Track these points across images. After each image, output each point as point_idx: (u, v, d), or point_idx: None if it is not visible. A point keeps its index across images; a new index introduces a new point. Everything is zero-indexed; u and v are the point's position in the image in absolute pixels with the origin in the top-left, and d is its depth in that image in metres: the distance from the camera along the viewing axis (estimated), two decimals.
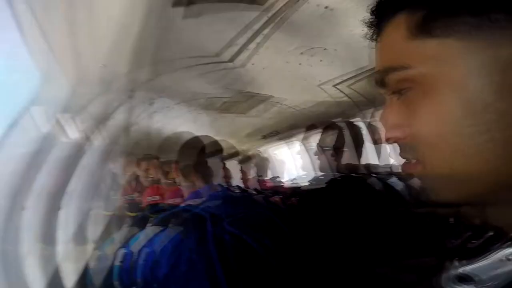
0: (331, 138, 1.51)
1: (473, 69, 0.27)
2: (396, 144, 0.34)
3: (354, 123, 1.63)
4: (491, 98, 0.26)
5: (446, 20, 0.28)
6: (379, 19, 0.35)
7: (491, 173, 0.27)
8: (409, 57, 0.30)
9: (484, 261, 0.27)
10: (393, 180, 1.50)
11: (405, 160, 0.34)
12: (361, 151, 1.53)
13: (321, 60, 1.36)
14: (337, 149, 1.47)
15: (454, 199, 0.31)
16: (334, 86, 1.67)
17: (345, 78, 1.59)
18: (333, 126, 1.54)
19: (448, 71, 0.28)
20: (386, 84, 0.33)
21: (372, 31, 0.37)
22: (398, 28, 0.31)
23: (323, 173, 1.64)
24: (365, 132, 1.93)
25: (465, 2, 0.27)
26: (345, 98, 1.84)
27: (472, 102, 0.27)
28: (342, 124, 1.54)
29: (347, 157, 1.46)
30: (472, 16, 0.26)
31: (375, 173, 1.54)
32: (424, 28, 0.29)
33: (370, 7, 0.35)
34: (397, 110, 0.33)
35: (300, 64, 1.36)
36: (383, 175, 1.61)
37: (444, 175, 0.30)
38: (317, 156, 1.65)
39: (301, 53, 1.26)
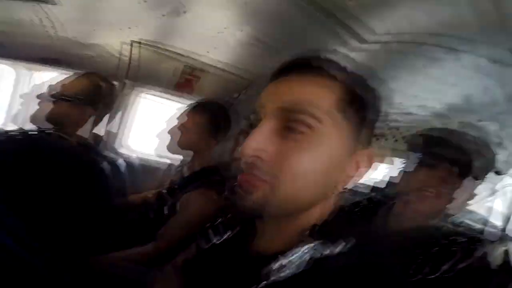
0: (81, 88, 1.18)
1: (346, 150, 0.44)
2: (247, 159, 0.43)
3: (114, 84, 1.46)
4: (337, 169, 0.44)
5: (360, 113, 0.45)
6: (315, 69, 0.44)
7: (302, 204, 0.44)
8: (326, 116, 0.42)
9: (294, 255, 0.41)
10: (120, 162, 1.54)
11: (248, 175, 0.43)
12: (103, 116, 1.40)
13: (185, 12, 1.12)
14: (80, 102, 1.19)
15: (268, 213, 0.44)
16: (140, 44, 1.39)
17: (157, 45, 1.41)
18: (93, 78, 1.28)
19: (336, 141, 0.43)
20: (287, 116, 0.42)
21: (294, 64, 0.47)
22: (331, 91, 0.43)
23: (33, 125, 1.27)
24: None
25: (376, 114, 0.48)
26: (126, 59, 1.58)
27: (331, 166, 0.43)
28: (106, 83, 1.33)
29: (86, 114, 1.21)
30: (371, 124, 0.46)
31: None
32: (346, 107, 0.43)
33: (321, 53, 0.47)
34: (276, 138, 0.42)
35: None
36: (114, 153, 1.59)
37: (283, 198, 0.42)
38: (39, 101, 1.25)
39: None
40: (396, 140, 2.22)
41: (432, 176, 0.83)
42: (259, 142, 0.42)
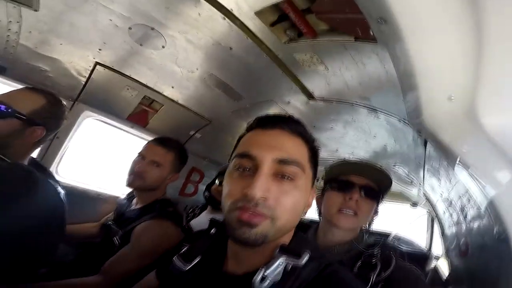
0: (36, 106, 1.05)
1: (309, 189, 0.63)
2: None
3: (65, 106, 1.33)
4: (304, 205, 0.61)
5: (315, 164, 0.65)
6: (293, 128, 0.61)
7: (286, 231, 0.59)
8: (305, 167, 0.60)
9: (272, 267, 0.52)
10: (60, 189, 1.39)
11: (255, 213, 0.53)
12: (47, 138, 1.24)
13: (164, 47, 1.21)
14: (30, 121, 1.02)
15: (266, 242, 0.54)
16: (105, 68, 1.40)
17: (123, 72, 1.45)
18: (49, 97, 1.10)
19: (307, 184, 0.61)
20: (281, 166, 0.56)
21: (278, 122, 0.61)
22: (305, 148, 0.61)
23: None
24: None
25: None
26: (83, 80, 1.54)
27: (304, 202, 0.60)
28: (58, 103, 1.21)
29: (36, 136, 1.06)
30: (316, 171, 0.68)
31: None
32: (311, 160, 0.63)
33: (291, 118, 0.63)
34: (273, 182, 0.55)
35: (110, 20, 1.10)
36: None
37: (279, 228, 0.55)
38: None
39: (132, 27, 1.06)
40: None
41: (348, 199, 0.99)
42: (265, 186, 0.54)
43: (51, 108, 1.09)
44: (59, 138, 1.65)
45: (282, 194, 0.55)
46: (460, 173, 0.72)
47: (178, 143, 1.52)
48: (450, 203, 1.16)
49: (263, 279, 0.51)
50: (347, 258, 0.96)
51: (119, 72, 1.51)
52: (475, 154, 0.65)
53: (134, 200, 1.45)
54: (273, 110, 1.52)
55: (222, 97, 1.59)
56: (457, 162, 0.70)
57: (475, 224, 0.91)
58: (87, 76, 1.51)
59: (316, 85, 1.21)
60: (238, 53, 1.13)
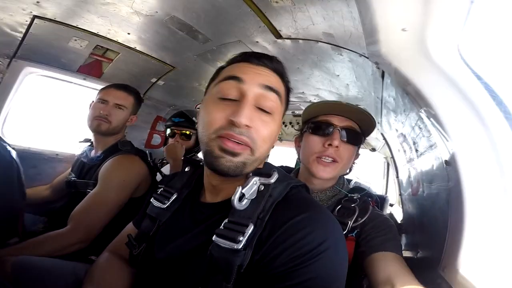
0: None
1: (280, 125, 0.68)
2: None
3: None
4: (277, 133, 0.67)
5: (287, 101, 0.72)
6: (274, 66, 0.66)
7: (262, 161, 0.67)
8: (282, 101, 0.66)
9: (248, 186, 0.58)
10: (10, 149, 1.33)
11: (237, 141, 0.57)
12: None
13: None
14: None
15: (246, 171, 0.61)
16: (37, 18, 1.21)
17: (68, 22, 1.27)
18: None
19: (280, 117, 0.67)
20: (264, 94, 0.60)
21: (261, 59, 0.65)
22: (283, 84, 0.67)
23: None
24: None
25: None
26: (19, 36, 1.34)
27: (276, 136, 0.67)
28: None
29: None
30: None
31: None
32: (285, 96, 0.69)
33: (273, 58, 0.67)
34: (256, 115, 0.60)
35: None
36: None
37: (257, 158, 0.61)
38: None
39: None
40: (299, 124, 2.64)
41: (328, 145, 0.91)
42: (250, 114, 0.58)
43: None
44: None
45: (262, 125, 0.60)
46: (415, 98, 0.81)
47: (133, 88, 1.54)
48: (404, 138, 1.16)
49: (240, 198, 0.57)
50: (328, 204, 0.94)
51: (63, 23, 1.34)
52: (424, 80, 0.74)
53: (92, 151, 1.43)
54: (241, 51, 1.49)
55: (186, 41, 1.49)
56: (409, 88, 0.78)
57: (426, 156, 0.88)
58: (23, 31, 1.32)
59: (283, 23, 1.19)
60: None
